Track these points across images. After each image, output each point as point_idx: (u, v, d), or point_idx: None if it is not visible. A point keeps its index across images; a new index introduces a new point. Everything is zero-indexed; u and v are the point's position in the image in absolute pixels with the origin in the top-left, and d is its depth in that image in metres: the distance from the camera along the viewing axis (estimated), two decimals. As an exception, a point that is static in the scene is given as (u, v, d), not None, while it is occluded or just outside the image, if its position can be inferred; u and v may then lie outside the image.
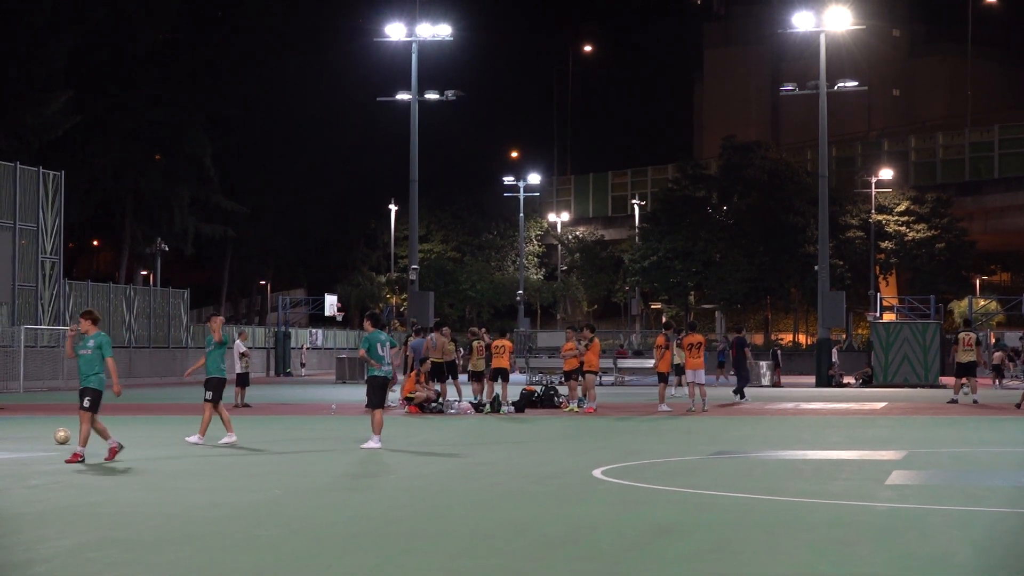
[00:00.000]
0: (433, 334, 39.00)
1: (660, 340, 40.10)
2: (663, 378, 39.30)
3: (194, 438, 25.21)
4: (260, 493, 17.11)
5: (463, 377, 42.57)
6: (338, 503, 16.26)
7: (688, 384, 38.38)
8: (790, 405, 42.36)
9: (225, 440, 24.90)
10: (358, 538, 13.27)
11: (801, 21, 65.43)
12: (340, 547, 12.64)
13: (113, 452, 21.60)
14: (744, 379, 45.53)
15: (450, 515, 15.14)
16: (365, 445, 23.86)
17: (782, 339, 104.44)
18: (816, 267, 67.23)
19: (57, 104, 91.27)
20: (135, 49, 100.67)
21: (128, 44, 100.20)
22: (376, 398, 24.36)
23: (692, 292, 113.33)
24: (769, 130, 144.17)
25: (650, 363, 51.80)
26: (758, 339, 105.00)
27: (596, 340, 38.25)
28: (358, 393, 42.48)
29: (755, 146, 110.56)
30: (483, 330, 42.55)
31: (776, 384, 58.81)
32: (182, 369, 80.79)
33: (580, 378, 38.49)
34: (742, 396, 43.95)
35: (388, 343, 24.45)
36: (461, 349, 48.44)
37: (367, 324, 24.96)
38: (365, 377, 25.34)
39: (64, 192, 69.08)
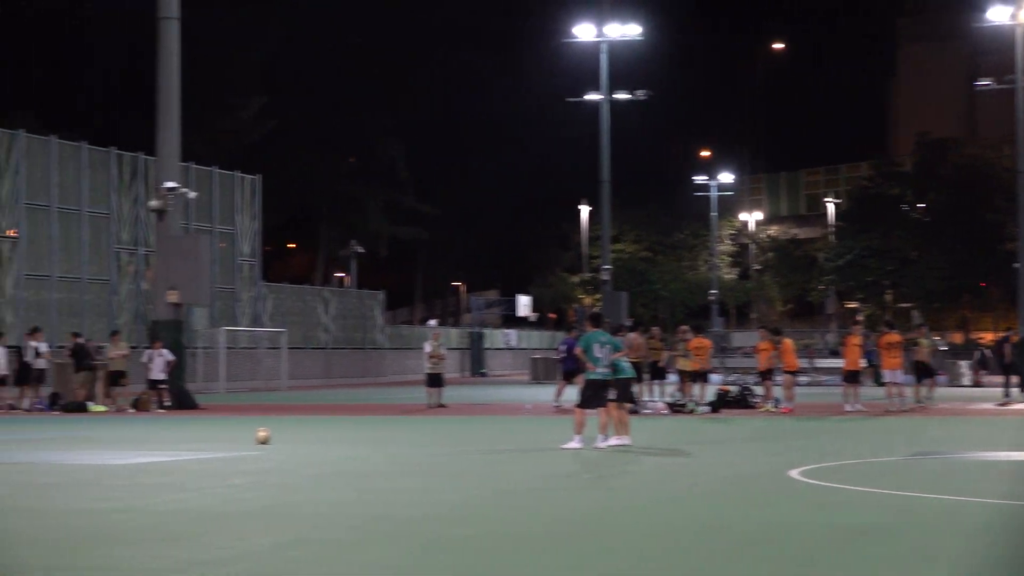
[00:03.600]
0: (632, 334, 38.89)
1: (853, 339, 39.35)
2: (851, 377, 38.39)
3: (613, 440, 24.39)
4: (458, 493, 17.15)
5: (673, 376, 42.30)
6: (534, 503, 16.22)
7: (886, 384, 37.81)
8: (990, 405, 41.50)
9: (614, 442, 24.30)
10: (553, 538, 13.21)
11: (997, 14, 64.17)
12: (536, 547, 12.60)
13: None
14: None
15: (645, 515, 15.03)
16: (566, 445, 23.79)
17: (981, 338, 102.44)
18: (1016, 264, 65.92)
19: (252, 110, 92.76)
20: (328, 54, 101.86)
21: (321, 49, 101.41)
22: (585, 398, 24.21)
23: (889, 291, 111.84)
24: (965, 126, 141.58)
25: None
26: (957, 338, 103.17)
27: (787, 340, 37.96)
28: (552, 393, 42.49)
29: (950, 142, 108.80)
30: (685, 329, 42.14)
31: (976, 384, 57.67)
32: (378, 370, 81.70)
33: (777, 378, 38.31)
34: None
35: (609, 344, 24.23)
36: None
37: (587, 324, 24.91)
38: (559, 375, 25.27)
39: (261, 196, 70.21)
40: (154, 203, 44.85)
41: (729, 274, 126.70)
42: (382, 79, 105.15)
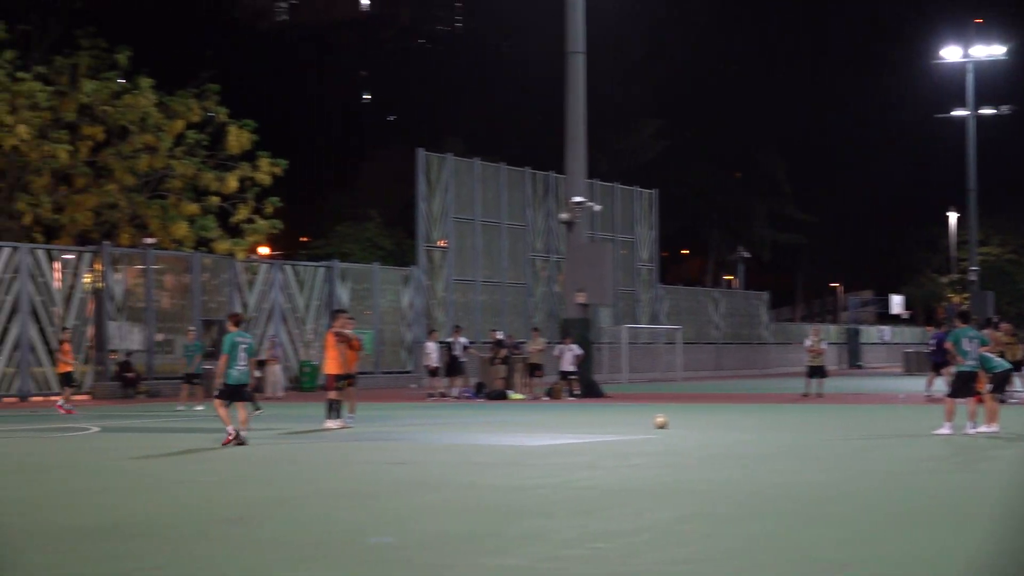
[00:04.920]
0: (986, 330, 37.72)
1: None
2: None
3: (982, 427, 23.47)
4: (835, 473, 16.99)
5: None
6: (908, 483, 15.95)
7: None
8: None
9: (983, 429, 23.46)
10: (926, 516, 12.97)
11: None
12: (909, 524, 12.38)
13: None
14: None
15: (1014, 496, 14.62)
16: (937, 431, 23.30)
17: None
18: None
19: (649, 130, 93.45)
20: (715, 79, 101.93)
21: (709, 75, 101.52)
22: (955, 388, 23.72)
23: None
24: None
25: None
26: None
27: None
28: (923, 384, 41.56)
29: None
30: None
31: None
32: (763, 363, 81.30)
33: None
34: None
35: (977, 339, 23.67)
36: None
37: (956, 320, 24.42)
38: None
39: (657, 207, 70.67)
40: (564, 215, 45.63)
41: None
42: (765, 100, 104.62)
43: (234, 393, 22.22)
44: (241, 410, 22.23)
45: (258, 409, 29.94)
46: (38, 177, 50.14)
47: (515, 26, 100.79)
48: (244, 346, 22.38)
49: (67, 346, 35.44)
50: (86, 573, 9.86)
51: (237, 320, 23.23)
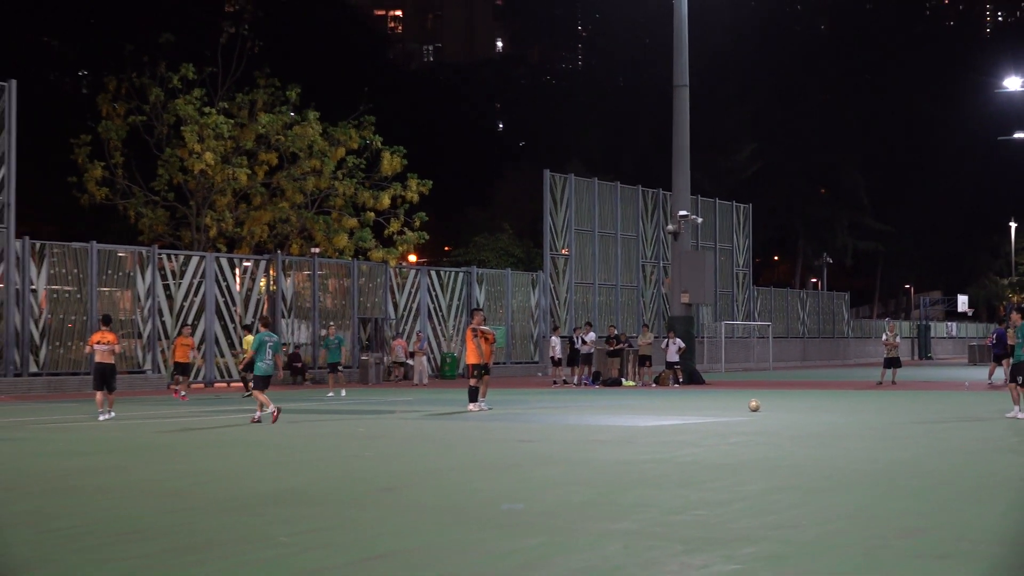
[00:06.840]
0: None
1: None
2: None
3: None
4: (909, 451, 16.68)
5: None
6: (977, 461, 15.57)
7: None
8: None
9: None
10: (993, 489, 12.69)
11: None
12: (977, 496, 12.13)
13: None
14: None
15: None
16: (1009, 415, 22.90)
17: None
18: None
19: (745, 152, 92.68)
20: (803, 106, 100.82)
21: (797, 102, 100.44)
22: (1013, 376, 23.29)
23: None
24: None
25: None
26: None
27: None
28: (986, 374, 40.78)
29: None
30: None
31: None
32: (844, 355, 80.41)
33: None
34: None
35: None
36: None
37: (1016, 316, 23.87)
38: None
39: (751, 219, 70.14)
40: (671, 227, 45.40)
41: None
42: (847, 125, 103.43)
43: (263, 383, 22.92)
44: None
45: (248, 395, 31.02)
46: (222, 196, 51.01)
47: (628, 63, 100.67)
48: (270, 344, 22.92)
49: (184, 339, 33.88)
50: (257, 534, 9.96)
51: (266, 322, 24.15)
